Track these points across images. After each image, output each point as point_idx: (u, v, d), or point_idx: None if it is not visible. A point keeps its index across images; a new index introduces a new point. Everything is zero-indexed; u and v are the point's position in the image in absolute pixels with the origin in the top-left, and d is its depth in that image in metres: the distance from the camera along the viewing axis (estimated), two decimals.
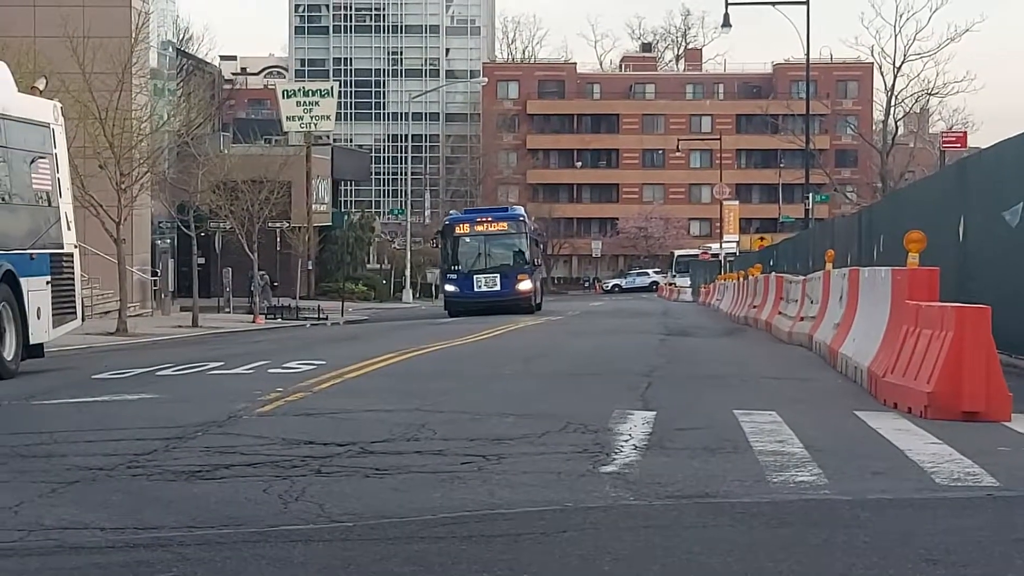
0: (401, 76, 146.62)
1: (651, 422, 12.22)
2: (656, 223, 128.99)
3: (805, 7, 51.21)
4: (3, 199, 20.17)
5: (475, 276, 52.39)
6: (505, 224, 54.25)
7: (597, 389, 15.92)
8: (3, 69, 21.00)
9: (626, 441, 11.10)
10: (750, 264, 51.60)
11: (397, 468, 10.03)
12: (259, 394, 15.17)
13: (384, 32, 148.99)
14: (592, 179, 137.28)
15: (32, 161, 20.87)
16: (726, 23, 55.24)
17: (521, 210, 58.70)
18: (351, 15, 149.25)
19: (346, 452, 10.80)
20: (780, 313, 29.76)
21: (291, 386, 16.19)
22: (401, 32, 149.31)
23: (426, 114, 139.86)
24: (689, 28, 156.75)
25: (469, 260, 53.02)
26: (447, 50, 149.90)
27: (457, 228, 53.84)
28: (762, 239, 75.12)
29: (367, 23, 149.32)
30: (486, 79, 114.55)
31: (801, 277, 28.69)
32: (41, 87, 22.68)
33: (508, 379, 17.67)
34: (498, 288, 51.99)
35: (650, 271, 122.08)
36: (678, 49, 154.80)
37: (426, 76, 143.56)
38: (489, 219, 54.72)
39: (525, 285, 52.53)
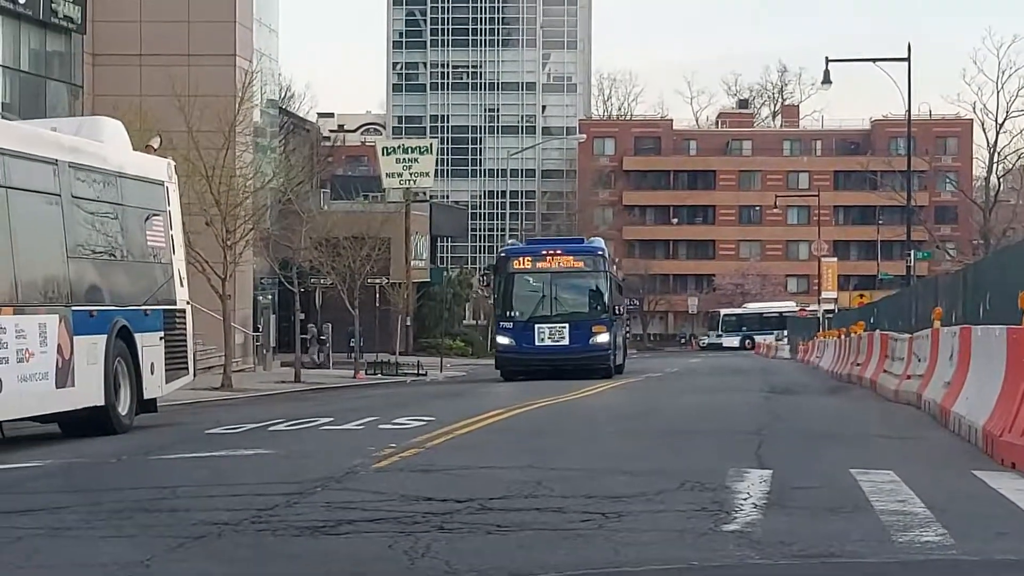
0: (498, 133, 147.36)
1: (768, 480, 12.18)
2: (753, 280, 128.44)
3: (906, 63, 51.01)
4: (120, 256, 20.51)
5: (537, 326, 41.39)
6: (579, 260, 43.00)
7: (708, 447, 15.90)
8: (119, 128, 21.40)
9: (745, 499, 11.07)
10: (848, 321, 51.24)
11: (518, 525, 10.07)
12: (373, 450, 15.27)
13: (481, 89, 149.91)
14: (688, 235, 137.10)
15: (147, 218, 21.22)
16: (826, 80, 55.13)
17: (601, 243, 46.54)
18: (448, 72, 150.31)
19: (466, 509, 10.84)
20: (885, 371, 29.52)
21: (403, 442, 16.27)
22: (498, 89, 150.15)
23: (523, 170, 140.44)
24: (786, 84, 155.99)
25: (529, 305, 42.12)
26: (543, 107, 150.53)
27: (515, 262, 42.61)
28: (861, 296, 74.54)
29: (464, 80, 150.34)
30: (583, 136, 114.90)
31: (907, 335, 28.45)
32: (156, 145, 23.07)
33: (616, 437, 17.69)
34: (566, 342, 41.17)
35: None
36: (775, 105, 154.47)
37: (523, 133, 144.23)
38: (558, 252, 43.46)
39: (602, 338, 41.52)
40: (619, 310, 44.42)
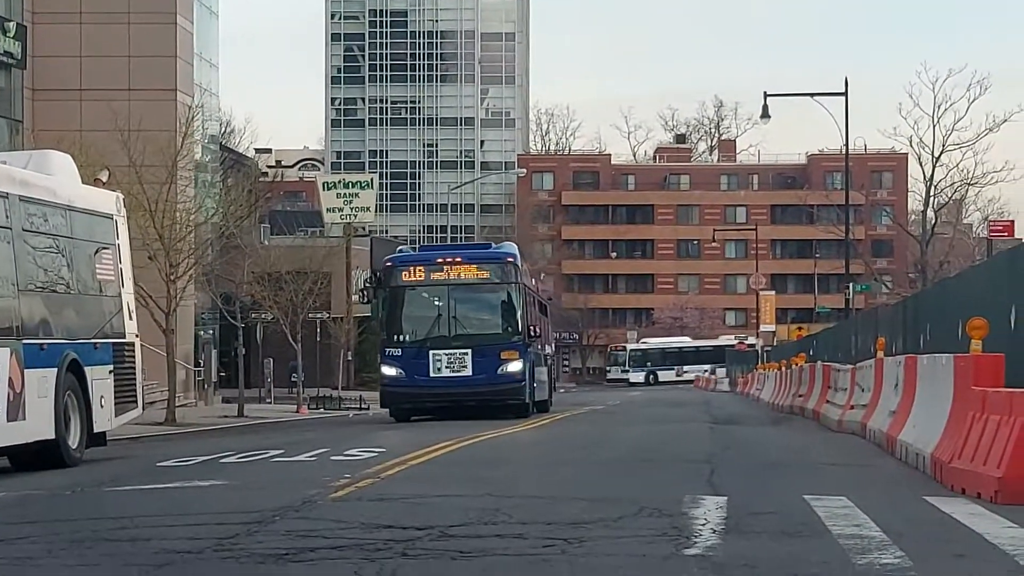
0: (437, 168, 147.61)
1: (724, 507, 12.30)
2: (691, 313, 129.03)
3: (843, 98, 51.54)
4: (70, 290, 20.46)
5: (432, 353, 33.46)
6: (484, 270, 34.80)
7: (662, 475, 16.04)
8: (68, 161, 21.38)
9: (703, 525, 11.19)
10: (787, 354, 51.61)
11: (481, 551, 10.14)
12: (328, 479, 15.30)
13: (419, 124, 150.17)
14: (627, 269, 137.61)
15: (97, 252, 21.18)
16: (765, 114, 55.59)
17: (512, 248, 37.61)
18: (387, 108, 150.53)
19: (427, 536, 10.89)
20: (828, 402, 29.78)
21: (357, 472, 16.31)
22: (436, 124, 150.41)
23: (462, 205, 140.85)
24: (722, 119, 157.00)
25: (422, 326, 34.20)
26: (482, 142, 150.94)
27: (402, 274, 34.28)
28: (800, 328, 75.11)
29: (403, 115, 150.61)
30: (523, 170, 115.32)
31: (849, 366, 28.74)
32: (104, 179, 23.04)
33: (571, 465, 17.80)
34: (468, 372, 33.38)
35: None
36: (712, 140, 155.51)
37: (461, 168, 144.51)
38: (458, 260, 35.14)
39: (513, 367, 33.66)
40: (535, 331, 35.26)
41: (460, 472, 16.86)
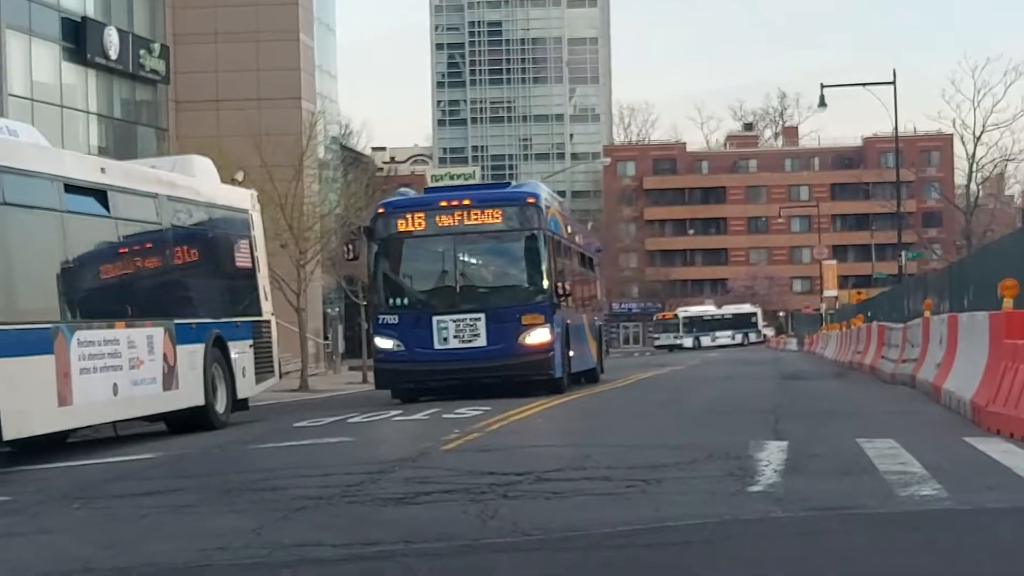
0: (531, 159, 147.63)
1: (785, 450, 12.44)
2: (762, 282, 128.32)
3: (892, 87, 51.08)
4: (213, 276, 20.91)
5: (436, 320, 24.51)
6: (499, 213, 25.01)
7: (731, 424, 16.18)
8: (208, 164, 21.79)
9: (766, 466, 11.34)
10: (848, 316, 51.33)
11: (572, 491, 10.36)
12: (440, 434, 15.59)
13: (515, 121, 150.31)
14: (703, 245, 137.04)
15: (235, 242, 21.58)
16: (822, 103, 55.20)
17: (537, 187, 26.89)
18: (486, 107, 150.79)
19: (525, 480, 11.13)
20: (883, 357, 29.70)
21: (465, 428, 16.58)
22: (530, 121, 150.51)
23: (554, 191, 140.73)
24: (785, 108, 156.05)
25: (423, 287, 25.51)
26: (571, 135, 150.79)
27: (398, 222, 25.00)
28: (859, 293, 74.52)
29: (500, 114, 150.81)
30: (608, 160, 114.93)
31: (901, 324, 28.64)
32: (240, 179, 23.47)
33: (650, 418, 18.00)
34: (482, 342, 24.43)
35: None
36: (776, 127, 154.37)
37: (553, 159, 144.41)
38: (466, 202, 25.15)
39: (539, 335, 24.60)
40: (565, 288, 25.63)
41: (553, 426, 17.12)
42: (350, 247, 25.82)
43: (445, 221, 24.73)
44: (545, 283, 24.81)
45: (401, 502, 10.29)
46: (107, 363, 16.81)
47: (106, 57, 48.47)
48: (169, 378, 18.46)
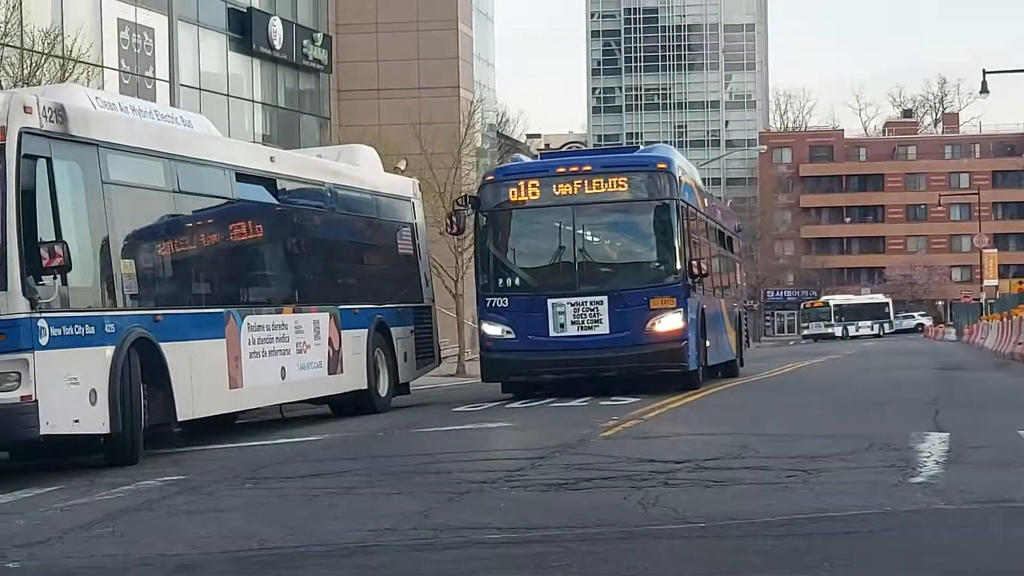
0: (687, 147, 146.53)
1: (946, 441, 12.35)
2: (920, 271, 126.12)
3: None
4: (377, 262, 21.29)
5: (551, 303, 21.25)
6: (623, 182, 21.66)
7: (891, 414, 16.07)
8: (372, 153, 22.16)
9: (927, 457, 11.28)
10: (1009, 306, 50.25)
11: (731, 481, 10.43)
12: (599, 421, 15.71)
13: (670, 109, 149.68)
14: (860, 232, 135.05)
15: (398, 230, 21.92)
16: (984, 90, 53.99)
17: (669, 152, 23.39)
18: (641, 95, 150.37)
19: (684, 468, 11.22)
20: None
21: (623, 415, 16.68)
22: (686, 108, 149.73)
23: (709, 179, 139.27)
24: (946, 95, 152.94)
25: (536, 265, 22.38)
26: (727, 122, 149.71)
27: (509, 191, 21.76)
28: (1020, 283, 72.86)
29: (655, 101, 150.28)
30: (764, 147, 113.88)
31: None
32: (402, 167, 23.82)
33: (809, 407, 17.91)
34: (605, 330, 21.12)
35: (915, 314, 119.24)
36: (936, 114, 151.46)
37: (708, 146, 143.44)
38: (587, 168, 21.98)
39: (670, 320, 21.26)
40: (700, 268, 21.97)
41: (711, 414, 17.15)
42: (453, 219, 21.87)
43: (563, 190, 21.48)
44: (678, 262, 21.27)
45: (563, 487, 10.44)
46: (275, 347, 17.24)
47: (271, 47, 49.41)
48: (334, 362, 18.85)
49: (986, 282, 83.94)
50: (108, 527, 9.61)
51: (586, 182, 21.42)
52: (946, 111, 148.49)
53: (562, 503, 9.77)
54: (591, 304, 21.05)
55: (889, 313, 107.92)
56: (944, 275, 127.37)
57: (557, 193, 21.51)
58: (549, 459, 12.27)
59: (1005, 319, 44.53)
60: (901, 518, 8.44)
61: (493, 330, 21.47)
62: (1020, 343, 35.25)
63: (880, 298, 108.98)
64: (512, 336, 21.30)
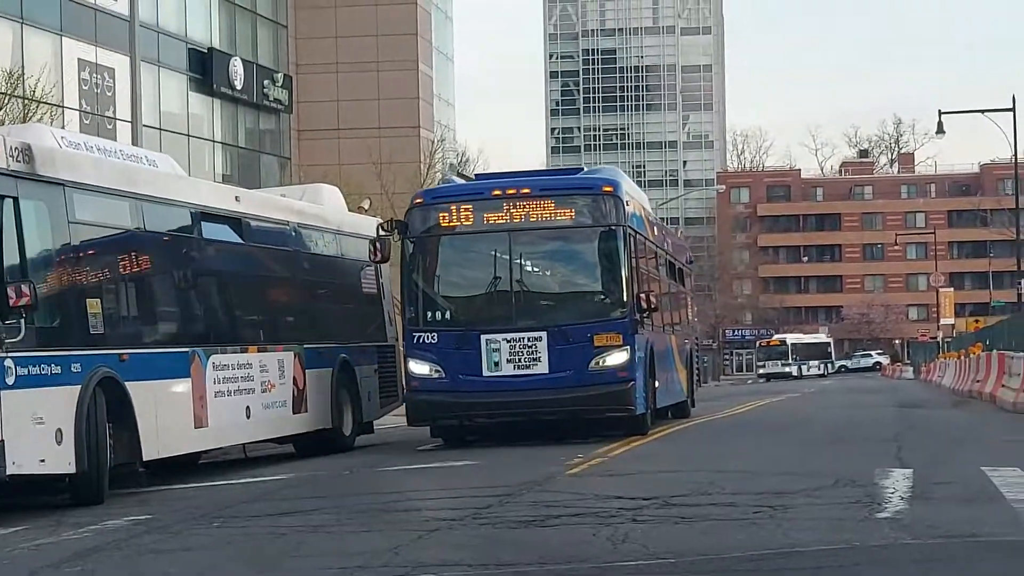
0: (645, 186, 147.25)
1: (910, 478, 12.45)
2: (877, 310, 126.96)
3: (1012, 113, 50.44)
4: (341, 302, 21.30)
5: (485, 339, 19.17)
6: (566, 207, 19.65)
7: (854, 451, 16.17)
8: (336, 193, 22.21)
9: (892, 493, 11.38)
10: (965, 344, 50.66)
11: (700, 517, 10.49)
12: (564, 459, 15.75)
13: (629, 149, 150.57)
14: (818, 272, 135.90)
15: (362, 269, 21.94)
16: (940, 130, 54.64)
17: (616, 174, 21.12)
18: (599, 135, 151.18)
19: (652, 504, 11.27)
20: (1003, 386, 29.34)
21: (589, 452, 16.73)
22: (643, 148, 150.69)
23: (667, 219, 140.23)
24: (901, 135, 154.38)
25: (468, 295, 20.47)
26: (684, 162, 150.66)
27: (439, 216, 19.69)
28: (977, 321, 73.48)
29: (613, 141, 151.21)
30: (722, 186, 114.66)
31: (1022, 353, 28.31)
32: (366, 207, 23.85)
33: (773, 444, 18.02)
34: (543, 368, 19.06)
35: (873, 353, 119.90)
36: (892, 154, 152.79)
37: (666, 186, 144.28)
38: (526, 191, 19.73)
39: (615, 358, 19.20)
40: (650, 302, 19.97)
41: (677, 451, 17.20)
42: (377, 246, 19.48)
43: (499, 215, 19.36)
44: (624, 295, 19.24)
45: (532, 524, 10.48)
46: (240, 386, 17.23)
47: (231, 87, 49.48)
48: (299, 401, 18.84)
49: (943, 321, 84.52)
50: (77, 566, 9.58)
51: (524, 206, 19.35)
52: (902, 151, 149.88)
53: (532, 540, 9.80)
54: (529, 341, 19.00)
55: (831, 353, 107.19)
56: (901, 314, 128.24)
57: (492, 219, 19.42)
58: (517, 496, 12.30)
59: (962, 357, 44.86)
60: (869, 553, 8.51)
61: (420, 368, 19.24)
62: (978, 381, 35.51)
63: (822, 337, 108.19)
64: (441, 375, 19.12)
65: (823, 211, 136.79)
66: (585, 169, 22.01)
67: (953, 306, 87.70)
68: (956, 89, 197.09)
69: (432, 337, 19.27)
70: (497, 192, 19.66)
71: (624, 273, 19.36)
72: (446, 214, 19.48)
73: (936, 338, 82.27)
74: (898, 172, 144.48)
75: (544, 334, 19.02)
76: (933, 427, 21.30)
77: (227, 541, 10.56)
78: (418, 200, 19.96)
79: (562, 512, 11.06)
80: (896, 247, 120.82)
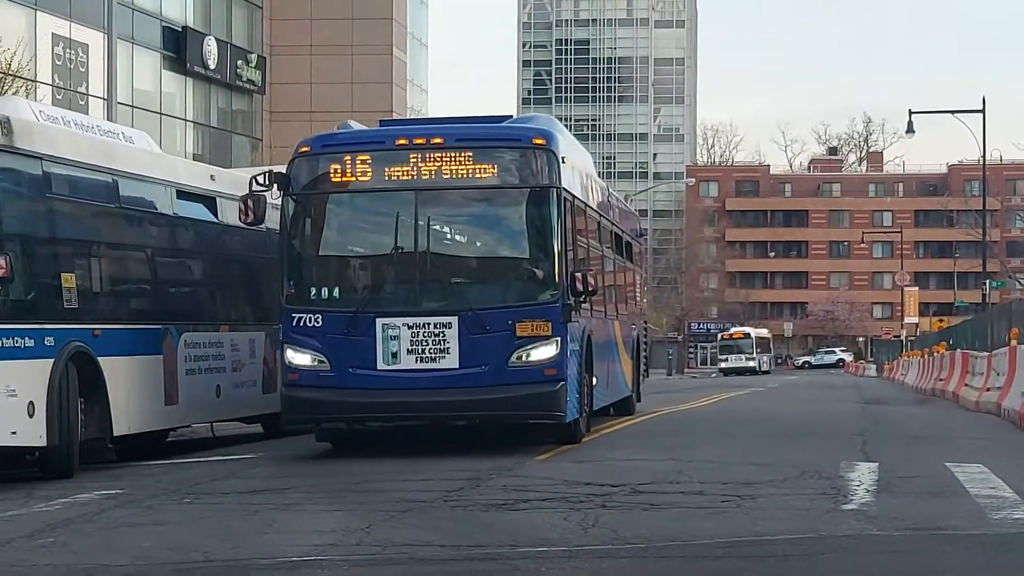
0: (615, 178, 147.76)
1: (875, 471, 12.60)
2: (842, 307, 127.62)
3: (981, 115, 50.82)
4: None
5: (381, 324, 15.01)
6: (486, 159, 15.37)
7: (820, 445, 16.33)
8: None
9: (858, 486, 11.53)
10: (929, 343, 51.04)
11: (668, 504, 10.61)
12: (533, 444, 15.84)
13: (600, 140, 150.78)
14: (784, 267, 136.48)
15: None
16: (910, 130, 55.01)
17: (552, 125, 16.65)
18: (571, 125, 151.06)
19: (620, 491, 11.39)
20: (967, 385, 29.61)
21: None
22: (615, 140, 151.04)
23: (636, 211, 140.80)
24: (870, 134, 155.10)
25: (362, 269, 16.30)
26: (654, 155, 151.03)
27: (331, 169, 15.46)
28: (941, 321, 74.03)
29: (585, 132, 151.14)
30: (692, 180, 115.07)
31: (986, 353, 28.57)
32: None
33: (739, 436, 18.14)
34: (452, 362, 14.99)
35: (836, 350, 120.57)
36: (861, 152, 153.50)
37: (636, 178, 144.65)
38: (438, 140, 15.39)
39: (541, 351, 15.12)
40: (585, 281, 15.51)
41: (644, 441, 17.31)
42: (248, 204, 15.37)
43: (403, 170, 15.34)
44: (556, 273, 15.26)
45: (503, 507, 10.59)
46: (211, 365, 17.28)
47: (205, 66, 49.38)
48: (269, 381, 18.87)
49: (907, 319, 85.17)
50: (50, 538, 9.64)
51: (435, 160, 15.26)
52: (871, 150, 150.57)
53: (503, 522, 9.91)
54: (436, 327, 14.99)
55: (770, 347, 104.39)
56: (865, 311, 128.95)
57: (394, 173, 15.34)
58: (486, 480, 12.40)
59: (926, 356, 45.20)
60: (836, 543, 8.65)
61: (300, 358, 15.21)
62: (941, 379, 35.80)
63: (764, 332, 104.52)
64: (326, 367, 15.09)
65: (791, 207, 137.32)
66: (513, 117, 17.37)
67: (917, 305, 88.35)
68: (926, 90, 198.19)
69: (316, 320, 15.17)
70: (402, 141, 15.50)
71: (556, 246, 15.25)
72: (337, 166, 15.38)
73: (900, 336, 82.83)
74: (866, 170, 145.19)
75: (455, 320, 14.97)
76: (897, 423, 21.49)
77: (199, 516, 10.64)
78: (304, 148, 15.70)
79: (532, 496, 11.18)
80: (862, 245, 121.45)
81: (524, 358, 15.06)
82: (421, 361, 14.95)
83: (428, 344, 14.97)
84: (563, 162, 15.55)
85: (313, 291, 15.43)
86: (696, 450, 15.55)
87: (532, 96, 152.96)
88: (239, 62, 51.88)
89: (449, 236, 16.31)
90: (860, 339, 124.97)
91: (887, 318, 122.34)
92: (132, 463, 15.33)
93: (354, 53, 57.56)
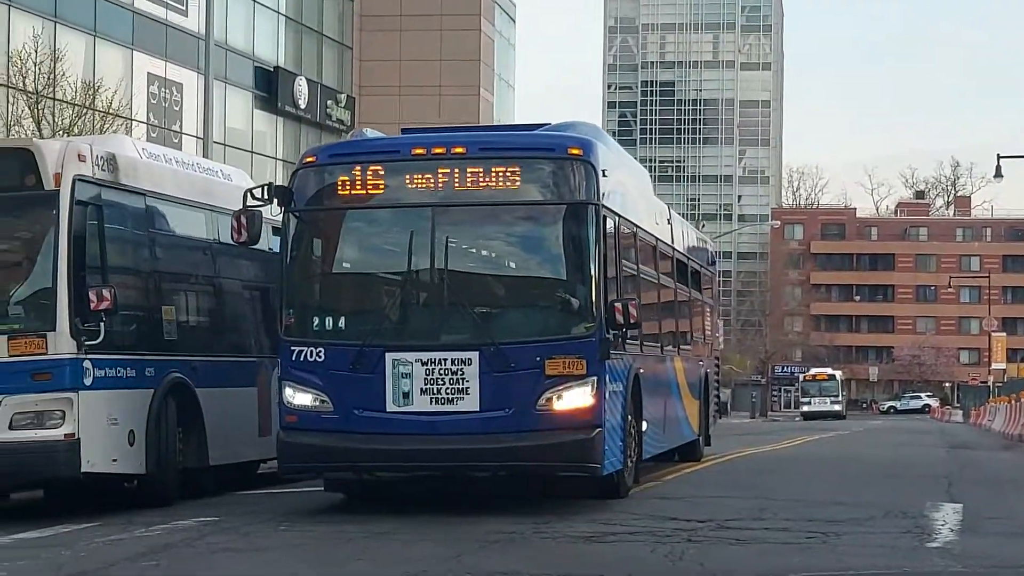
0: (699, 219, 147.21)
1: (960, 512, 12.67)
2: (928, 352, 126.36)
3: None
4: None
5: (391, 360, 12.77)
6: (513, 172, 13.08)
7: (905, 487, 16.38)
8: None
9: (943, 525, 11.61)
10: (1017, 389, 50.52)
11: (754, 539, 10.77)
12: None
13: (684, 181, 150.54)
14: (870, 311, 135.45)
15: None
16: (998, 174, 54.53)
17: (587, 132, 14.42)
18: (655, 166, 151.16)
19: (706, 527, 11.55)
20: None
21: (642, 476, 16.97)
22: (699, 181, 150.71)
23: (720, 252, 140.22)
24: (958, 178, 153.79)
25: (371, 297, 13.84)
26: (739, 197, 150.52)
27: (339, 182, 13.33)
28: None
29: (669, 173, 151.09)
30: (777, 222, 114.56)
31: None
32: None
33: (825, 477, 18.21)
34: (472, 405, 12.72)
35: (923, 395, 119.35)
36: (948, 196, 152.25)
37: (720, 220, 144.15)
38: (459, 150, 13.25)
39: (575, 400, 12.68)
40: (629, 312, 13.06)
41: (728, 479, 17.43)
42: (242, 221, 13.33)
43: (420, 183, 13.34)
44: (592, 300, 13.03)
45: (590, 540, 10.79)
46: None
47: (295, 106, 50.13)
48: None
49: (994, 365, 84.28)
50: (153, 560, 9.98)
51: (457, 172, 13.24)
52: (958, 194, 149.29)
53: (590, 553, 10.13)
54: (454, 364, 12.83)
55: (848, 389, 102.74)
56: (952, 356, 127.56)
57: (410, 187, 13.34)
58: (573, 514, 12.59)
59: (1013, 402, 44.77)
60: None
61: (299, 397, 13.21)
62: None
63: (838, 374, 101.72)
64: (328, 408, 13.09)
65: (877, 251, 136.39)
66: (552, 124, 15.14)
67: (1005, 351, 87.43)
68: (1015, 134, 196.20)
69: (318, 353, 13.11)
70: (419, 151, 13.41)
71: (593, 271, 13.03)
72: (346, 179, 13.42)
73: (987, 382, 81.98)
74: (954, 214, 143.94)
75: (476, 355, 12.82)
76: (983, 467, 21.44)
77: (295, 544, 10.93)
78: (309, 158, 13.68)
79: (619, 530, 11.38)
80: (949, 289, 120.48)
81: (554, 401, 12.77)
82: (436, 403, 12.82)
83: (444, 383, 12.82)
84: (604, 175, 13.31)
85: (315, 321, 13.47)
86: (780, 488, 15.64)
87: (617, 138, 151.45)
88: (329, 102, 52.63)
89: (470, 259, 13.97)
90: (946, 384, 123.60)
91: (974, 363, 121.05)
92: (227, 493, 15.68)
93: (442, 94, 58.20)
